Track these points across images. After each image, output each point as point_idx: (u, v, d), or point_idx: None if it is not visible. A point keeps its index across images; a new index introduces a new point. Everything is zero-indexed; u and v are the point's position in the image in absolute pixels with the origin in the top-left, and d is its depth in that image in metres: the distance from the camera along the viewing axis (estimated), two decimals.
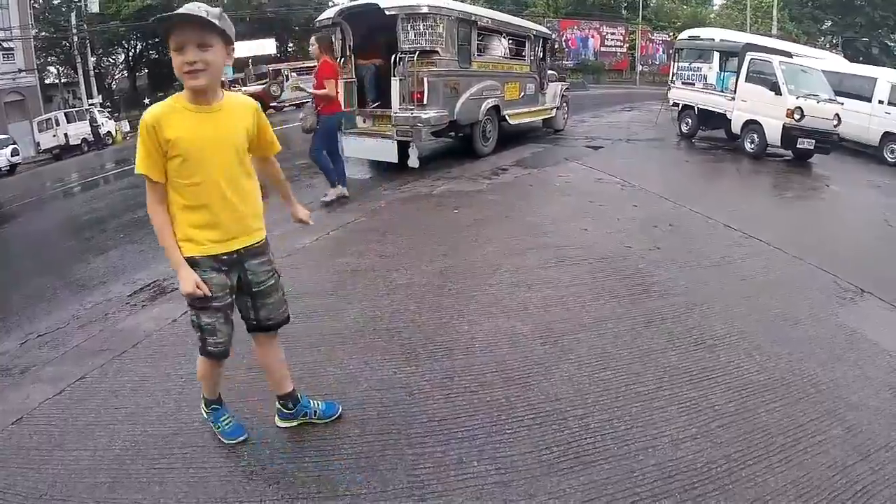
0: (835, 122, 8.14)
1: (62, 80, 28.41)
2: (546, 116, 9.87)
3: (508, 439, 2.09)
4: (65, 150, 19.33)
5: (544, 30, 10.22)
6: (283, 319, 2.02)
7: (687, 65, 10.69)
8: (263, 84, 20.37)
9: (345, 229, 4.71)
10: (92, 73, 26.00)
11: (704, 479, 1.90)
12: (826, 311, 3.32)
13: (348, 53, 7.08)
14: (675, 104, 10.77)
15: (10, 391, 2.60)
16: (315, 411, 2.16)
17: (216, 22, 1.64)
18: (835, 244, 4.70)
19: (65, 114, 20.61)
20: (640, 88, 27.27)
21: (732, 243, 4.42)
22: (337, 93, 5.52)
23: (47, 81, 27.24)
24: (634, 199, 5.64)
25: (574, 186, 6.21)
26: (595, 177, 6.62)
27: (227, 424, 2.09)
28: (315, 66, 5.57)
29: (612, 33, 33.74)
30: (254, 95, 17.47)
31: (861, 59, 22.69)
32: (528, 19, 10.19)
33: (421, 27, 6.33)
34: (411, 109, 6.35)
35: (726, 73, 9.66)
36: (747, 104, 8.72)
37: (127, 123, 23.02)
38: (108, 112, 23.64)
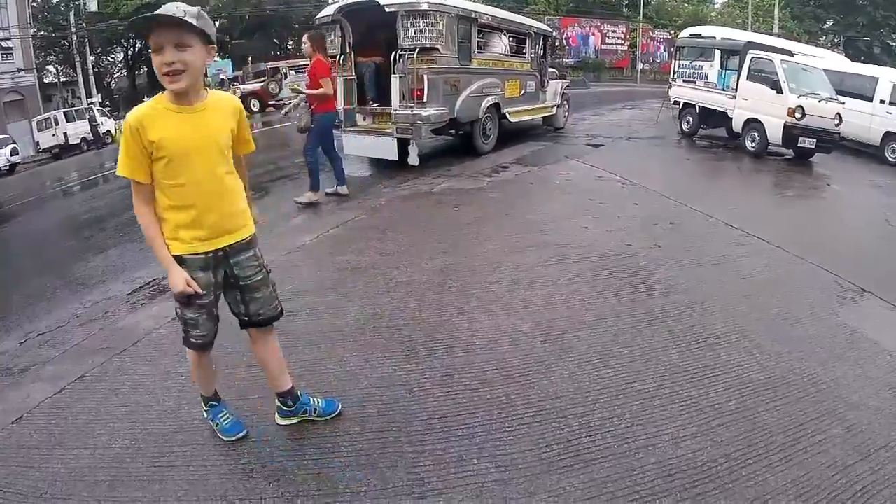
0: (836, 122, 8.12)
1: (61, 80, 28.35)
2: (547, 114, 9.85)
3: (508, 437, 2.09)
4: (64, 150, 19.26)
5: (545, 27, 10.19)
6: (274, 315, 2.02)
7: (688, 63, 10.66)
8: (262, 82, 20.32)
9: (345, 227, 4.71)
10: (91, 72, 25.95)
11: (704, 477, 1.90)
12: (827, 310, 3.31)
13: (348, 51, 7.05)
14: (676, 102, 10.75)
15: (11, 390, 2.60)
16: (315, 409, 2.16)
17: (194, 22, 1.63)
18: (835, 243, 4.69)
19: (64, 113, 20.52)
20: (640, 86, 27.21)
21: (733, 242, 4.41)
22: (335, 91, 5.50)
23: (46, 81, 27.15)
24: (635, 198, 5.63)
25: (574, 184, 6.21)
26: (595, 175, 6.61)
27: (225, 421, 2.09)
28: (308, 65, 5.51)
29: (613, 31, 33.66)
30: (252, 93, 17.29)
31: (862, 58, 22.63)
32: (528, 16, 10.16)
33: (421, 24, 6.30)
34: (411, 107, 6.34)
35: (727, 72, 9.64)
36: (748, 103, 8.70)
37: None
38: (108, 111, 23.60)
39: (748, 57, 8.77)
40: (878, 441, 2.13)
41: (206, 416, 2.13)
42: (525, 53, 8.80)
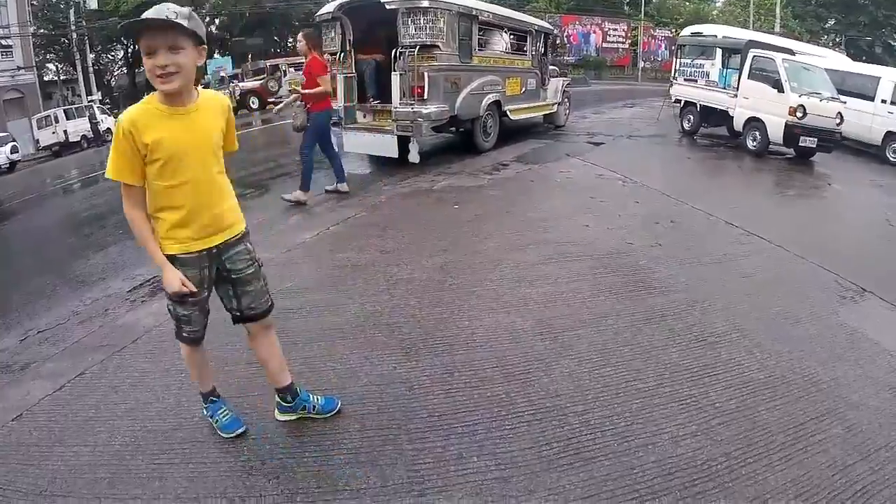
0: (837, 121, 8.10)
1: (61, 78, 28.28)
2: (547, 112, 9.84)
3: (508, 435, 2.09)
4: (64, 147, 19.25)
5: (546, 25, 10.17)
6: (265, 308, 2.02)
7: (689, 61, 10.65)
8: (261, 80, 20.26)
9: (345, 224, 4.70)
10: (91, 69, 25.91)
11: (704, 476, 1.90)
12: (827, 309, 3.31)
13: (348, 48, 7.04)
14: (678, 101, 10.73)
15: (11, 388, 2.60)
16: (314, 405, 2.16)
17: (185, 23, 1.63)
18: (836, 243, 4.69)
19: (64, 111, 20.51)
20: (641, 85, 27.19)
21: (734, 241, 4.41)
22: (335, 88, 5.45)
23: (46, 78, 27.10)
24: (636, 196, 5.63)
25: (575, 182, 6.20)
26: (596, 173, 6.60)
27: (224, 417, 2.10)
28: (303, 63, 5.44)
29: (615, 29, 33.61)
30: (252, 91, 17.22)
31: (864, 58, 22.58)
32: (529, 14, 10.13)
33: (422, 21, 6.29)
34: (412, 104, 6.33)
35: (729, 70, 9.63)
36: (750, 101, 8.69)
37: None
38: (108, 109, 23.57)
39: (749, 56, 8.75)
40: (878, 441, 2.13)
41: (205, 412, 2.13)
42: (526, 51, 8.79)
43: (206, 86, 20.22)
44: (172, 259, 1.79)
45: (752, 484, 1.87)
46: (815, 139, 7.96)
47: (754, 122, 8.58)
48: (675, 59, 11.48)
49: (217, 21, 30.10)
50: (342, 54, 7.00)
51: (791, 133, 7.95)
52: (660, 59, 33.70)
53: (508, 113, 8.09)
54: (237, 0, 28.27)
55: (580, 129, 10.40)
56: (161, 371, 2.55)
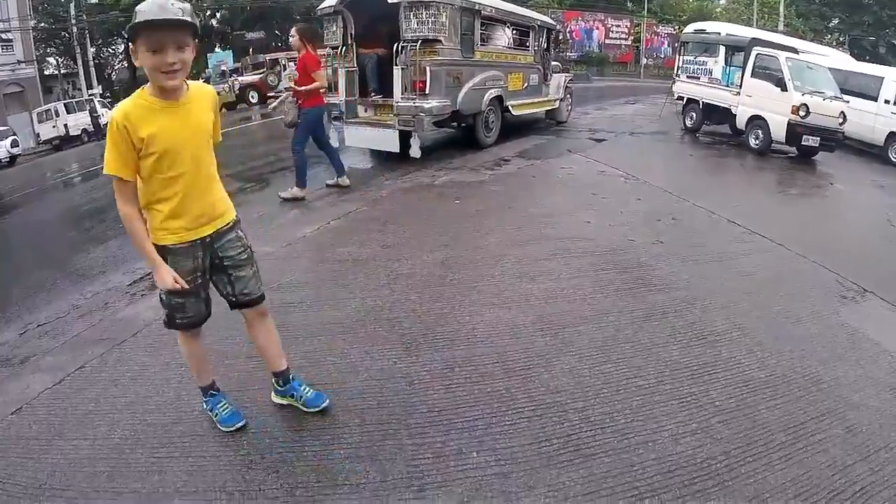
0: (840, 121, 8.07)
1: (62, 71, 28.21)
2: (549, 108, 9.81)
3: (508, 431, 2.09)
4: (65, 141, 19.24)
5: (549, 20, 10.12)
6: (260, 294, 2.05)
7: (692, 58, 10.61)
8: (261, 74, 20.18)
9: (346, 218, 4.69)
10: (91, 63, 25.82)
11: (704, 474, 1.90)
12: (828, 309, 3.30)
13: (350, 42, 7.01)
14: (680, 98, 10.70)
15: (10, 381, 2.60)
16: (301, 396, 2.18)
17: (189, 19, 1.65)
18: (838, 243, 4.68)
19: (64, 105, 20.48)
20: (644, 81, 27.10)
21: (735, 239, 4.40)
22: (335, 82, 5.39)
23: (47, 72, 27.04)
24: (637, 193, 5.62)
25: (577, 178, 6.19)
26: (598, 169, 6.58)
27: (224, 411, 2.10)
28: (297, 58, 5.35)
29: (617, 25, 33.47)
30: (251, 85, 17.11)
31: (868, 57, 22.46)
32: (532, 9, 10.08)
33: (424, 16, 6.26)
34: (413, 99, 6.31)
35: (732, 68, 9.59)
36: (752, 99, 8.66)
37: None
38: (108, 102, 23.49)
39: (753, 54, 8.72)
40: (878, 442, 2.12)
41: (204, 406, 2.13)
42: (528, 46, 8.75)
43: (208, 80, 20.16)
44: (166, 250, 1.81)
45: (752, 483, 1.87)
46: (818, 138, 7.93)
47: (757, 121, 8.55)
48: (678, 57, 11.45)
49: (218, 15, 29.96)
50: (344, 48, 6.97)
51: (794, 132, 7.92)
52: (662, 56, 33.58)
53: (510, 108, 8.06)
54: None
55: (582, 126, 10.37)
56: (161, 365, 2.55)
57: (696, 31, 11.11)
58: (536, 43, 8.94)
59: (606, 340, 2.75)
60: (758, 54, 8.66)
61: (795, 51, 9.29)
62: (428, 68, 6.26)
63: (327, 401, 2.20)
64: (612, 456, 1.97)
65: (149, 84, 1.73)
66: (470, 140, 7.56)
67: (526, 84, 8.63)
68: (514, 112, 8.24)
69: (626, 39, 33.91)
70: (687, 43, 11.05)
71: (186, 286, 1.82)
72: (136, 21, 1.59)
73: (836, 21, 32.29)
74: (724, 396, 2.33)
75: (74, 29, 24.63)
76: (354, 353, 2.60)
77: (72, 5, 24.28)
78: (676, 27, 31.54)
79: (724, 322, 3.00)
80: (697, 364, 2.57)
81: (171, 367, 2.50)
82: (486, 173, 6.25)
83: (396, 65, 6.37)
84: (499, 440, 2.03)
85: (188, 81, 1.82)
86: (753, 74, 8.68)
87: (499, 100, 7.67)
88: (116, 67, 33.45)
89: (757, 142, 8.54)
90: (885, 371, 2.65)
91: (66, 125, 19.48)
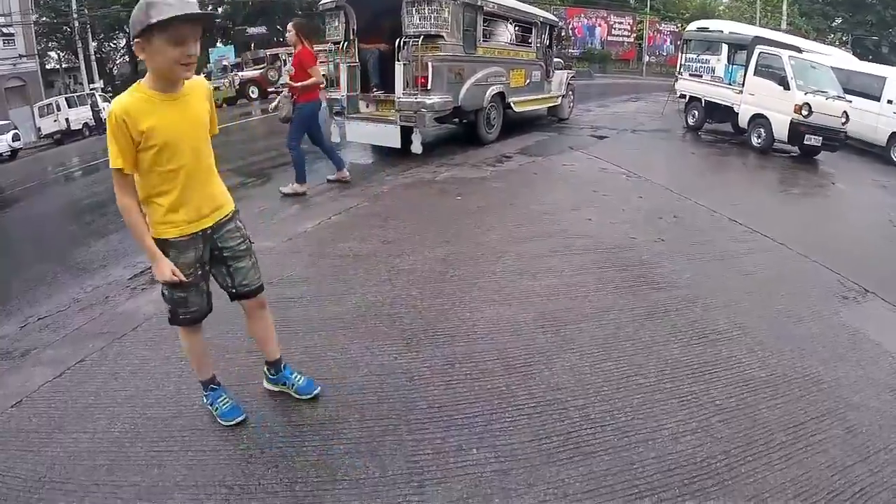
0: (843, 120, 8.04)
1: (63, 66, 28.13)
2: (551, 104, 9.79)
3: (508, 427, 2.09)
4: (66, 135, 19.23)
5: (551, 17, 10.07)
6: (259, 285, 2.06)
7: (695, 56, 10.56)
8: (261, 69, 20.14)
9: (347, 214, 4.68)
10: (93, 58, 25.76)
11: (703, 473, 1.90)
12: (829, 309, 3.30)
13: (352, 37, 6.99)
14: (682, 96, 10.66)
15: (11, 374, 2.60)
16: (293, 384, 2.22)
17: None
18: (839, 243, 4.67)
19: (66, 99, 20.46)
20: (646, 79, 27.03)
21: (737, 238, 4.39)
22: (337, 77, 5.33)
23: (48, 67, 26.97)
24: (639, 190, 5.60)
25: (578, 176, 6.17)
26: (600, 166, 6.57)
27: (224, 405, 2.10)
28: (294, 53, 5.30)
29: (620, 22, 33.33)
30: (251, 80, 17.06)
31: (870, 57, 22.38)
32: (534, 5, 10.02)
33: (426, 11, 6.23)
34: (415, 94, 6.29)
35: (734, 66, 9.53)
36: (755, 98, 8.63)
37: None
38: (110, 97, 23.45)
39: (756, 52, 8.68)
40: (878, 443, 2.12)
41: (205, 400, 2.13)
42: (531, 43, 8.72)
43: (209, 74, 20.11)
44: (168, 243, 1.81)
45: (752, 482, 1.87)
46: (820, 138, 7.90)
47: (759, 119, 8.52)
48: (680, 54, 11.39)
49: (220, 9, 29.86)
50: (345, 43, 6.94)
51: (796, 131, 7.89)
52: (665, 54, 33.46)
53: (512, 105, 8.04)
54: None
55: (584, 123, 10.35)
56: (161, 359, 2.55)
57: (699, 29, 11.05)
58: (539, 39, 8.91)
59: (607, 338, 2.74)
60: (761, 53, 8.63)
61: (798, 50, 9.25)
62: (430, 64, 6.24)
63: (319, 388, 2.24)
64: (612, 454, 1.97)
65: (146, 77, 1.73)
66: (471, 136, 7.54)
67: (528, 81, 8.61)
68: (516, 109, 8.22)
69: (628, 37, 33.78)
70: (689, 41, 11.00)
71: (185, 279, 1.82)
72: (168, 16, 1.58)
73: (839, 20, 32.18)
74: (724, 395, 2.33)
75: (76, 23, 24.55)
76: (355, 348, 2.60)
77: (73, 0, 24.21)
78: (679, 25, 31.43)
79: (726, 321, 2.99)
80: (698, 363, 2.57)
81: (171, 361, 2.50)
82: (487, 170, 6.23)
83: (398, 60, 6.34)
84: (499, 437, 2.03)
85: None
86: (756, 73, 8.65)
87: (501, 96, 7.64)
88: (118, 62, 33.39)
89: (759, 140, 8.52)
90: (885, 372, 2.65)
91: (67, 119, 19.47)
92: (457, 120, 7.44)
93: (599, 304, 3.10)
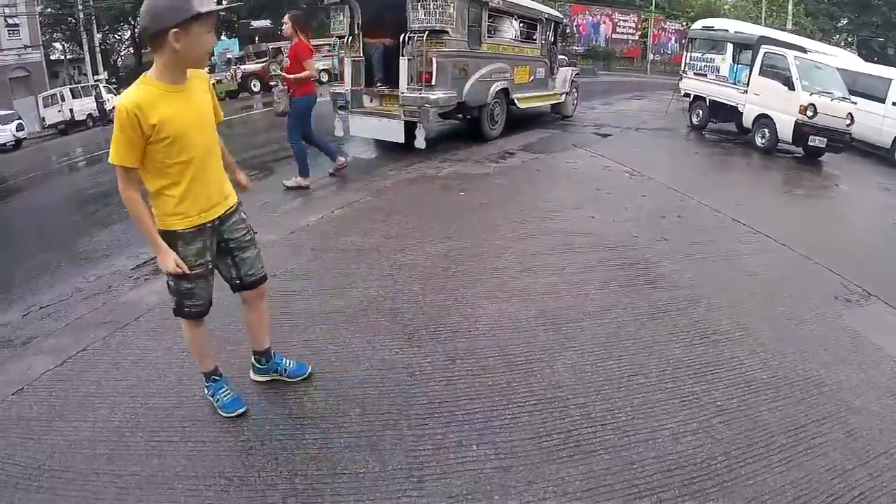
0: (847, 122, 8.00)
1: (68, 57, 28.13)
2: (555, 102, 9.74)
3: (509, 424, 2.09)
4: (70, 126, 19.25)
5: (556, 13, 10.03)
6: (263, 275, 2.09)
7: (700, 55, 10.50)
8: (263, 62, 20.09)
9: (350, 208, 4.68)
10: (98, 49, 25.72)
11: (703, 474, 1.90)
12: (832, 311, 3.29)
13: (357, 31, 6.96)
14: (687, 95, 10.61)
15: (12, 362, 2.61)
16: (286, 369, 2.26)
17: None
18: (842, 245, 4.65)
19: (70, 90, 20.50)
20: (651, 77, 26.91)
21: (740, 238, 4.38)
22: (341, 72, 5.28)
23: (53, 58, 26.99)
24: (642, 189, 5.59)
25: (582, 173, 6.16)
26: (603, 164, 6.55)
27: (225, 397, 2.11)
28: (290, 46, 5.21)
29: (625, 20, 33.17)
30: (253, 74, 16.97)
31: (876, 58, 22.27)
32: (539, 2, 9.96)
33: (431, 6, 6.21)
34: (419, 90, 6.26)
35: (739, 66, 9.48)
36: (760, 98, 8.59)
37: None
38: (114, 88, 23.45)
39: (761, 52, 8.63)
40: (878, 447, 2.12)
41: (206, 391, 2.13)
42: (535, 39, 8.68)
43: (213, 67, 20.06)
44: (176, 235, 1.81)
45: (751, 484, 1.87)
46: (825, 139, 7.86)
47: (764, 120, 8.48)
48: (685, 53, 11.33)
49: (224, 1, 29.75)
50: (350, 38, 6.92)
51: (800, 132, 7.85)
52: (670, 53, 33.29)
53: (516, 101, 8.01)
54: None
55: (588, 120, 10.31)
56: (163, 349, 2.55)
57: (704, 28, 10.99)
58: (543, 36, 8.87)
59: (609, 337, 2.74)
60: (766, 53, 8.58)
61: (804, 50, 9.19)
62: (434, 59, 6.21)
63: (309, 367, 2.29)
64: (612, 453, 1.96)
65: (153, 69, 1.72)
66: (475, 132, 7.52)
67: (532, 77, 8.57)
68: (520, 105, 8.19)
69: (633, 35, 33.62)
70: (694, 39, 10.94)
71: (189, 270, 1.82)
72: (211, 7, 1.62)
73: (844, 21, 32.01)
74: (725, 396, 2.33)
75: (81, 14, 24.49)
76: (356, 342, 2.60)
77: None
78: (684, 23, 31.27)
79: (728, 322, 2.99)
80: (700, 363, 2.57)
81: (172, 352, 2.51)
82: (490, 166, 6.22)
83: (403, 55, 6.32)
84: (499, 434, 2.03)
85: None
86: (761, 73, 8.60)
87: (505, 92, 7.61)
88: (122, 53, 33.37)
89: (763, 141, 8.49)
90: (887, 376, 2.64)
91: (71, 110, 19.49)
92: (460, 116, 7.42)
93: (601, 303, 3.09)
